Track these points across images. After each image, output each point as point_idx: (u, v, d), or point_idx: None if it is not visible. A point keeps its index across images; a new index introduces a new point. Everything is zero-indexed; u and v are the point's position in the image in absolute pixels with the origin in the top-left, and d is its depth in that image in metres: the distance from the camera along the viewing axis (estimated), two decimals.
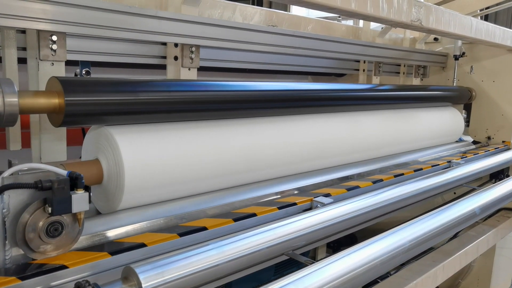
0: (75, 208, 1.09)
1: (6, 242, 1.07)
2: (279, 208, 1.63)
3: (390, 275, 1.94)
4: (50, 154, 1.59)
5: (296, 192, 1.86)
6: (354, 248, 1.40)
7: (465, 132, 3.47)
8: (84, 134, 1.52)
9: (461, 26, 2.44)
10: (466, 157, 2.86)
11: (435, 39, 3.73)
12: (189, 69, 1.95)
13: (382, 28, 3.43)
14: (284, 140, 1.87)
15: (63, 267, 1.09)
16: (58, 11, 1.48)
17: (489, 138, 3.53)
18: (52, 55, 1.51)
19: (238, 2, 2.60)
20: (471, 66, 3.57)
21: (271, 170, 1.83)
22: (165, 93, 1.51)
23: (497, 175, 3.19)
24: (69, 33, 1.55)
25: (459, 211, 1.92)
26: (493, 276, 3.49)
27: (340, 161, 2.21)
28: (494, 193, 2.25)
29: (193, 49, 1.93)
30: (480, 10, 3.78)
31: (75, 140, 1.84)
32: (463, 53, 3.55)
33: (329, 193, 1.82)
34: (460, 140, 3.38)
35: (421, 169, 2.43)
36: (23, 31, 1.58)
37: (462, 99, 3.44)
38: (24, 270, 1.06)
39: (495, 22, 3.14)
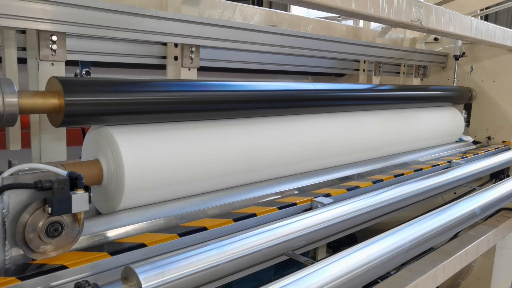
0: (75, 208, 1.08)
1: (6, 242, 1.07)
2: (279, 208, 1.63)
3: (390, 275, 1.94)
4: (50, 154, 1.59)
5: (296, 192, 1.86)
6: (354, 248, 1.40)
7: (465, 132, 3.47)
8: (84, 134, 1.52)
9: (461, 26, 2.44)
10: (466, 157, 2.85)
11: (435, 39, 3.73)
12: (189, 69, 1.95)
13: (382, 28, 3.43)
14: (284, 140, 1.87)
15: (63, 267, 1.09)
16: (58, 11, 1.48)
17: (489, 138, 3.53)
18: (52, 55, 1.51)
19: (238, 2, 2.60)
20: (471, 66, 3.57)
21: (271, 170, 1.83)
22: (165, 93, 1.51)
23: (497, 175, 3.18)
24: (69, 33, 1.55)
25: (459, 211, 1.92)
26: (493, 276, 3.49)
27: (340, 161, 2.21)
28: (494, 193, 2.25)
29: (193, 49, 1.93)
30: (480, 10, 3.78)
31: (75, 140, 1.84)
32: (463, 53, 3.55)
33: (329, 193, 1.82)
34: (460, 140, 3.38)
35: (421, 169, 2.43)
36: (23, 31, 1.58)
37: (462, 99, 3.43)
38: (24, 270, 1.06)
39: (495, 22, 3.14)
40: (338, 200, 1.73)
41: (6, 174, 1.08)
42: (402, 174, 2.27)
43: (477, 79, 3.54)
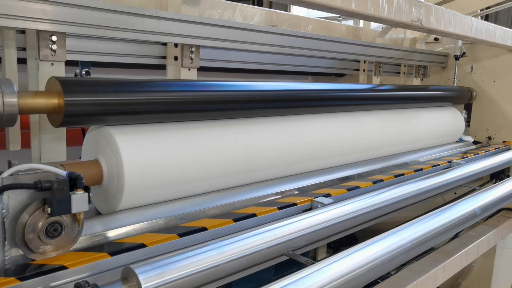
0: (74, 209, 1.08)
1: (6, 242, 1.07)
2: (279, 208, 1.63)
3: (391, 275, 1.93)
4: (50, 154, 1.59)
5: (296, 192, 1.86)
6: (354, 249, 1.40)
7: (466, 132, 3.46)
8: (84, 134, 1.52)
9: (461, 26, 2.44)
10: (466, 157, 2.85)
11: (436, 39, 3.73)
12: (189, 69, 1.95)
13: (382, 28, 3.43)
14: (284, 140, 1.87)
15: (63, 267, 1.09)
16: (58, 11, 1.47)
17: (489, 138, 3.53)
18: (52, 55, 1.51)
19: (238, 2, 2.60)
20: (472, 66, 3.57)
21: (271, 170, 1.83)
22: (165, 93, 1.50)
23: (497, 175, 3.18)
24: (69, 33, 1.54)
25: (460, 211, 1.92)
26: (494, 276, 3.49)
27: (340, 161, 2.21)
28: (495, 193, 2.25)
29: (193, 49, 1.93)
30: (481, 10, 3.77)
31: (75, 140, 1.84)
32: (464, 53, 3.55)
33: (329, 193, 1.81)
34: (461, 140, 3.37)
35: (422, 169, 2.43)
36: (22, 31, 1.58)
37: (463, 99, 3.43)
38: (24, 270, 1.06)
39: (495, 22, 3.14)
40: (338, 200, 1.73)
41: (5, 174, 1.08)
42: (403, 174, 2.27)
43: (478, 79, 3.54)
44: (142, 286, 0.98)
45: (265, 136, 1.81)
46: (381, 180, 2.12)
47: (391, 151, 2.57)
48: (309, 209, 1.71)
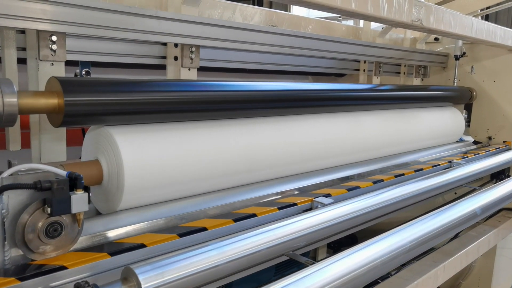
0: (74, 209, 1.08)
1: (5, 242, 1.07)
2: (280, 208, 1.62)
3: (391, 275, 1.93)
4: (50, 154, 1.59)
5: (296, 192, 1.86)
6: (354, 249, 1.40)
7: (466, 132, 3.46)
8: (84, 134, 1.52)
9: (461, 26, 2.44)
10: (467, 157, 2.85)
11: (436, 39, 3.73)
12: (189, 69, 1.94)
13: (382, 28, 3.42)
14: (284, 140, 1.87)
15: (63, 267, 1.09)
16: (58, 11, 1.47)
17: (490, 138, 3.52)
18: (52, 55, 1.51)
19: (238, 2, 2.60)
20: (472, 66, 3.57)
21: (271, 170, 1.83)
22: (165, 93, 1.50)
23: (498, 175, 3.18)
24: (69, 33, 1.54)
25: (460, 211, 1.92)
26: (494, 276, 3.49)
27: (340, 161, 2.20)
28: (495, 194, 2.25)
29: (193, 49, 1.93)
30: (481, 10, 3.77)
31: (75, 140, 1.84)
32: (464, 53, 3.55)
33: (329, 194, 1.81)
34: (461, 140, 3.37)
35: (422, 169, 2.43)
36: (22, 31, 1.58)
37: (463, 99, 3.43)
38: (24, 271, 1.06)
39: (495, 22, 3.14)
40: (338, 200, 1.72)
41: (5, 174, 1.07)
42: (403, 174, 2.27)
43: (478, 79, 3.54)
44: (142, 286, 0.98)
45: (265, 136, 1.81)
46: (381, 180, 2.12)
47: (391, 151, 2.56)
48: (309, 209, 1.71)
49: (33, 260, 1.10)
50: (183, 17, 1.84)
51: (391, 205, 1.85)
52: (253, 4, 10.46)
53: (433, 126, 2.94)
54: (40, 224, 1.08)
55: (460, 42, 3.48)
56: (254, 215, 1.53)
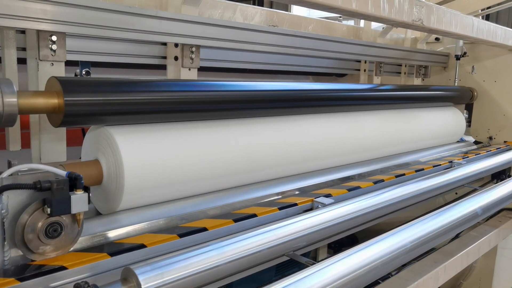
0: (74, 209, 1.08)
1: (5, 243, 1.06)
2: (280, 208, 1.62)
3: (391, 276, 1.93)
4: (50, 154, 1.59)
5: (297, 192, 1.86)
6: (355, 249, 1.40)
7: (467, 132, 3.46)
8: (84, 134, 1.52)
9: (462, 26, 2.43)
10: (467, 157, 2.85)
11: (437, 39, 3.73)
12: (189, 69, 1.94)
13: (383, 28, 3.42)
14: (284, 140, 1.87)
15: (62, 268, 1.09)
16: (58, 11, 1.47)
17: (490, 138, 3.52)
18: (52, 55, 1.51)
19: (238, 2, 2.59)
20: (473, 66, 3.57)
21: (271, 171, 1.83)
22: (165, 93, 1.50)
23: (498, 176, 3.17)
24: (69, 33, 1.54)
25: (461, 211, 1.91)
26: (495, 276, 3.48)
27: (341, 162, 2.20)
28: (496, 194, 2.24)
29: (194, 49, 1.93)
30: (482, 10, 3.77)
31: (75, 140, 1.84)
32: (465, 53, 3.54)
33: (330, 194, 1.81)
34: (462, 140, 3.37)
35: (423, 169, 2.42)
36: (22, 31, 1.58)
37: (464, 99, 3.43)
38: (23, 271, 1.06)
39: (496, 22, 3.13)
40: (339, 200, 1.72)
41: (5, 174, 1.07)
42: (403, 175, 2.27)
43: (479, 79, 3.53)
44: (142, 286, 0.98)
45: (265, 136, 1.80)
46: (382, 180, 2.11)
47: (392, 151, 2.56)
48: (310, 209, 1.71)
49: (32, 261, 1.10)
50: (184, 17, 1.84)
51: (392, 205, 1.84)
52: (254, 4, 10.47)
53: (434, 126, 2.94)
54: (39, 224, 1.08)
55: (461, 42, 3.48)
56: (254, 215, 1.53)
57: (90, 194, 1.46)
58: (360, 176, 2.19)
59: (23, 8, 1.39)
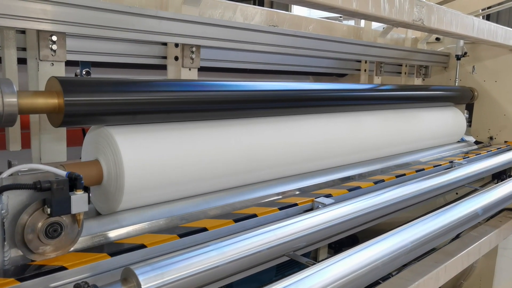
0: (74, 209, 1.08)
1: (5, 243, 1.06)
2: (280, 208, 1.62)
3: (392, 276, 1.93)
4: (50, 154, 1.58)
5: (297, 192, 1.85)
6: (355, 249, 1.39)
7: (467, 132, 3.46)
8: (84, 134, 1.51)
9: (463, 25, 2.43)
10: (468, 157, 2.84)
11: (437, 39, 3.72)
12: (189, 69, 1.94)
13: (383, 28, 3.42)
14: (285, 140, 1.87)
15: (62, 268, 1.08)
16: (58, 11, 1.47)
17: (491, 138, 3.52)
18: (52, 55, 1.51)
19: (239, 2, 2.59)
20: (473, 66, 3.56)
21: (272, 171, 1.83)
22: (165, 93, 1.50)
23: (499, 176, 3.17)
24: (69, 33, 1.54)
25: (461, 211, 1.91)
26: (496, 277, 3.48)
27: (341, 162, 2.20)
28: (497, 194, 2.24)
29: (194, 49, 1.93)
30: (482, 10, 3.77)
31: (75, 140, 1.84)
32: (465, 53, 3.54)
33: (330, 194, 1.81)
34: (462, 140, 3.36)
35: (423, 169, 2.42)
36: (22, 31, 1.58)
37: (464, 99, 3.43)
38: (23, 271, 1.06)
39: (497, 22, 3.13)
40: (339, 200, 1.72)
41: (5, 174, 1.07)
42: (404, 175, 2.26)
43: (479, 79, 3.53)
44: (142, 287, 0.98)
45: (265, 136, 1.80)
46: (383, 181, 2.11)
47: (392, 151, 2.56)
48: (310, 209, 1.70)
49: (32, 261, 1.10)
50: (184, 17, 1.84)
51: (392, 205, 1.84)
52: (254, 4, 10.46)
53: (434, 126, 2.94)
54: (39, 224, 1.08)
55: (462, 42, 3.48)
56: (254, 216, 1.53)
57: (90, 194, 1.46)
58: (361, 176, 2.19)
59: (23, 8, 1.39)
